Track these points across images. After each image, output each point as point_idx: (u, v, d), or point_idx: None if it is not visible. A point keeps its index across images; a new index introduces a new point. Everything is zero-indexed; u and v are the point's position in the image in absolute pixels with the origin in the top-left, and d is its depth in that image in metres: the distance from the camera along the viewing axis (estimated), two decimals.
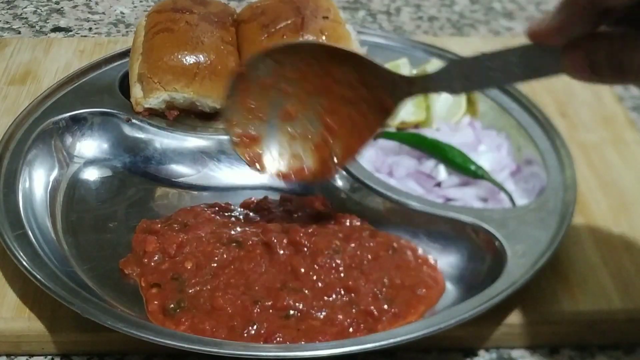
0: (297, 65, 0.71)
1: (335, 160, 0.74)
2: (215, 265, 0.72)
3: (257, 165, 0.75)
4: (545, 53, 0.58)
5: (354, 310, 0.69)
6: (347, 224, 0.77)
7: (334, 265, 0.71)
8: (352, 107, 0.72)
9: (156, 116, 0.87)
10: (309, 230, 0.75)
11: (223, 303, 0.69)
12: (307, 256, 0.72)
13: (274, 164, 0.75)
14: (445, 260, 0.76)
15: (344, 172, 0.81)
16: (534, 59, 0.60)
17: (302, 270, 0.71)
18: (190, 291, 0.70)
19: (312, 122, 0.74)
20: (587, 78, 0.56)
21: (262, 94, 0.73)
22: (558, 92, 0.96)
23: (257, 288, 0.70)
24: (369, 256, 0.73)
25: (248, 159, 0.75)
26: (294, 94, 0.73)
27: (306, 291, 0.70)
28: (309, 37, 0.86)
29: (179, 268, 0.72)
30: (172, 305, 0.69)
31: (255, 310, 0.68)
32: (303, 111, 0.74)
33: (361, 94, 0.71)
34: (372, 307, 0.69)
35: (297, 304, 0.69)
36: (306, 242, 0.73)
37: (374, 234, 0.77)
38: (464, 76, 0.64)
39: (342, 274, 0.71)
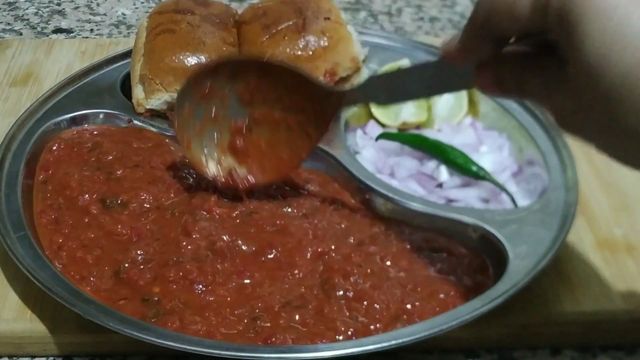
0: (247, 79, 0.76)
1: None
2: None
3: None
4: (458, 70, 0.62)
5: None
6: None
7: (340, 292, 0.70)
8: (297, 116, 0.76)
9: (158, 117, 0.87)
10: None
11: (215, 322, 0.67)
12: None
13: (214, 168, 0.78)
14: None
15: (346, 174, 0.81)
16: (447, 74, 0.65)
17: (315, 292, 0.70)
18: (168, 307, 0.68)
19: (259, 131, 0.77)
20: (496, 94, 0.61)
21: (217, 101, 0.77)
22: None
23: (259, 305, 0.68)
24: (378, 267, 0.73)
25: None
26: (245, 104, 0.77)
27: (311, 306, 0.69)
28: (311, 38, 0.86)
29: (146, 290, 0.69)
30: (152, 312, 0.67)
31: (252, 327, 0.67)
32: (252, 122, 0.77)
33: (304, 106, 0.75)
34: (372, 327, 0.67)
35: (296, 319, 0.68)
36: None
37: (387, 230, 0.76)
38: (386, 89, 0.70)
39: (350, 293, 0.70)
